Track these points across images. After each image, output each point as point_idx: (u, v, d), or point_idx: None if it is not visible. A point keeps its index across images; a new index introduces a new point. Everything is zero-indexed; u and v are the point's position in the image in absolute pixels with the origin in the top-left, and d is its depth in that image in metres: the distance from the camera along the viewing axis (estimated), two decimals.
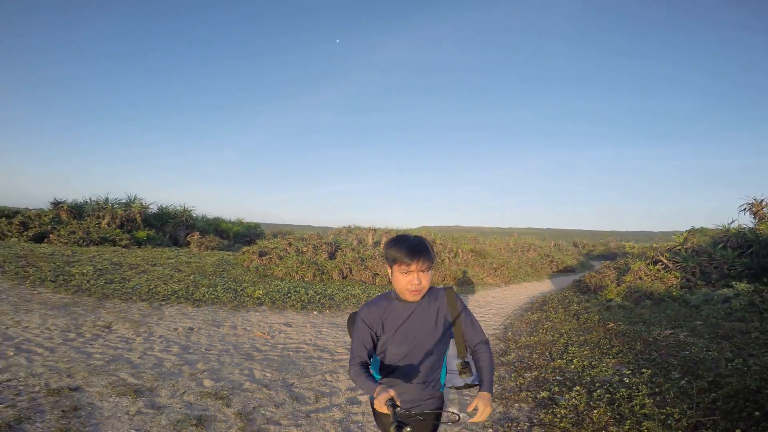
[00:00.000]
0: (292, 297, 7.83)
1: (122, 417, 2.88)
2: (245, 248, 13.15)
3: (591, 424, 2.92)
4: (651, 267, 10.70)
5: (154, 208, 16.66)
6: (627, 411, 3.03)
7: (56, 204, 14.65)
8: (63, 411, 2.83)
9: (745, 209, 11.24)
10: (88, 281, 7.03)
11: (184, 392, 3.38)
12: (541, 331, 6.35)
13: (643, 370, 3.91)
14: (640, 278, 10.27)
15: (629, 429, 2.77)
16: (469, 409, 1.44)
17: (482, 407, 1.44)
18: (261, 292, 7.81)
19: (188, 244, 15.24)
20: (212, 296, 7.17)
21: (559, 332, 6.12)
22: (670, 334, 5.38)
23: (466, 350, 1.68)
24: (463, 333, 1.66)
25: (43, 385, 3.22)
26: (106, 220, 14.07)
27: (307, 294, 8.23)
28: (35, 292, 6.15)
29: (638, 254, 14.05)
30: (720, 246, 10.20)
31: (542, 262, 20.76)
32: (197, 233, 15.89)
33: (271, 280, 9.67)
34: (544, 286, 14.21)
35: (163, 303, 6.45)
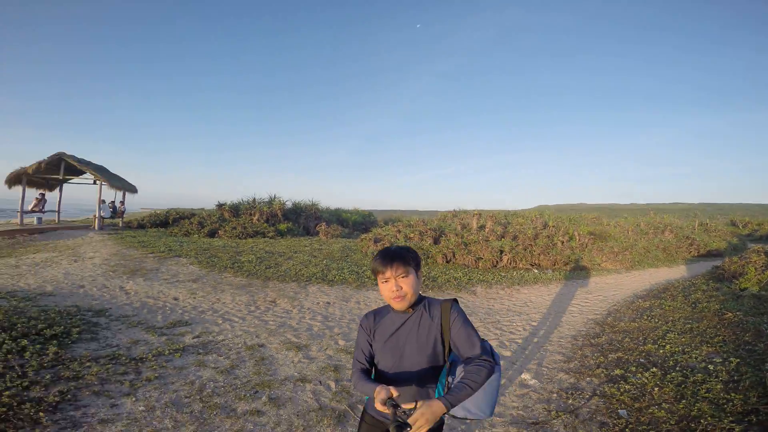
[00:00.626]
0: None
1: (289, 364, 4.34)
2: (362, 236, 14.96)
3: (648, 400, 3.36)
4: None
5: (289, 204, 19.81)
6: (689, 393, 3.37)
7: (220, 205, 18.59)
8: (256, 360, 4.40)
9: None
10: (254, 267, 9.32)
11: (326, 348, 4.80)
12: (645, 317, 6.37)
13: (731, 359, 4.01)
14: None
15: (682, 407, 3.16)
16: (408, 407, 1.35)
17: (418, 416, 1.29)
18: None
19: (317, 233, 17.86)
20: (341, 277, 8.81)
21: (665, 320, 6.08)
22: None
23: (450, 366, 1.63)
24: (458, 347, 1.58)
25: (243, 343, 4.92)
26: (255, 217, 17.41)
27: None
28: (222, 276, 8.53)
29: None
30: None
31: (679, 245, 18.44)
32: (324, 224, 18.46)
33: None
34: (674, 273, 12.94)
35: (307, 283, 8.27)
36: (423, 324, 1.63)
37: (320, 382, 3.95)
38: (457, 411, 1.48)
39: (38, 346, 4.09)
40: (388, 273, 1.59)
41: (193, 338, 5.00)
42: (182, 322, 5.62)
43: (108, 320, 5.49)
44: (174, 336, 5.04)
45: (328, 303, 6.95)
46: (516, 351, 5.08)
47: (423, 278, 9.39)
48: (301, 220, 19.30)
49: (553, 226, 18.04)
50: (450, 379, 1.61)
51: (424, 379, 1.60)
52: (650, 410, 3.18)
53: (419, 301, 1.67)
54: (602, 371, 4.16)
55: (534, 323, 6.52)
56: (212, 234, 15.72)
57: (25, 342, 4.08)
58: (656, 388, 3.52)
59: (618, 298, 8.60)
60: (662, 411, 3.13)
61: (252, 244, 13.26)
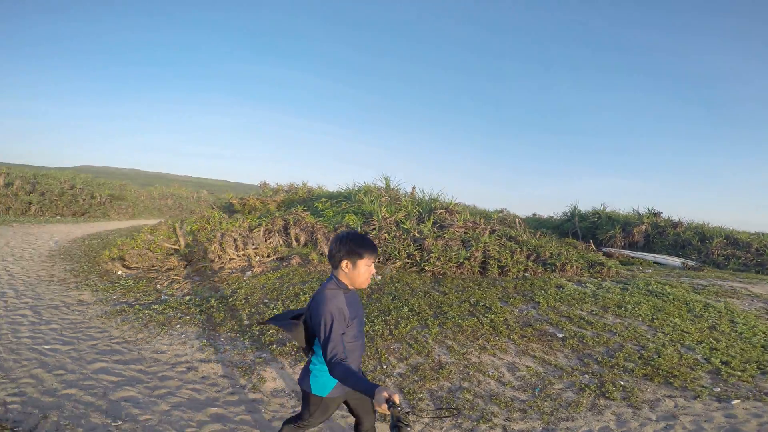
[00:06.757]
0: None
1: None
2: None
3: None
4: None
5: None
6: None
7: None
8: None
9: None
10: None
11: None
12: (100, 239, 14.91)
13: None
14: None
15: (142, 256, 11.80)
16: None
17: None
18: None
19: None
20: None
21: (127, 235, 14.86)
22: None
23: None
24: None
25: None
26: None
27: None
28: None
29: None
30: None
31: (172, 208, 29.30)
32: None
33: None
34: (153, 221, 22.84)
35: None
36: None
37: None
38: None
39: None
40: (374, 259, 1.90)
41: None
42: None
43: None
44: None
45: None
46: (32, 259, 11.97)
47: None
48: None
49: (80, 188, 23.73)
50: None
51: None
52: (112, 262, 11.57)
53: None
54: (74, 255, 12.17)
55: (52, 243, 13.41)
56: None
57: None
58: (129, 248, 11.98)
59: (105, 230, 16.72)
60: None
61: None
